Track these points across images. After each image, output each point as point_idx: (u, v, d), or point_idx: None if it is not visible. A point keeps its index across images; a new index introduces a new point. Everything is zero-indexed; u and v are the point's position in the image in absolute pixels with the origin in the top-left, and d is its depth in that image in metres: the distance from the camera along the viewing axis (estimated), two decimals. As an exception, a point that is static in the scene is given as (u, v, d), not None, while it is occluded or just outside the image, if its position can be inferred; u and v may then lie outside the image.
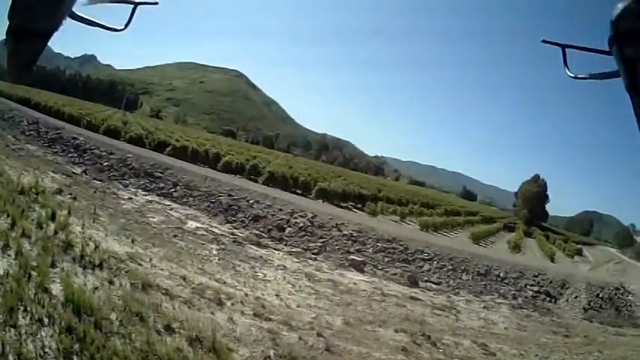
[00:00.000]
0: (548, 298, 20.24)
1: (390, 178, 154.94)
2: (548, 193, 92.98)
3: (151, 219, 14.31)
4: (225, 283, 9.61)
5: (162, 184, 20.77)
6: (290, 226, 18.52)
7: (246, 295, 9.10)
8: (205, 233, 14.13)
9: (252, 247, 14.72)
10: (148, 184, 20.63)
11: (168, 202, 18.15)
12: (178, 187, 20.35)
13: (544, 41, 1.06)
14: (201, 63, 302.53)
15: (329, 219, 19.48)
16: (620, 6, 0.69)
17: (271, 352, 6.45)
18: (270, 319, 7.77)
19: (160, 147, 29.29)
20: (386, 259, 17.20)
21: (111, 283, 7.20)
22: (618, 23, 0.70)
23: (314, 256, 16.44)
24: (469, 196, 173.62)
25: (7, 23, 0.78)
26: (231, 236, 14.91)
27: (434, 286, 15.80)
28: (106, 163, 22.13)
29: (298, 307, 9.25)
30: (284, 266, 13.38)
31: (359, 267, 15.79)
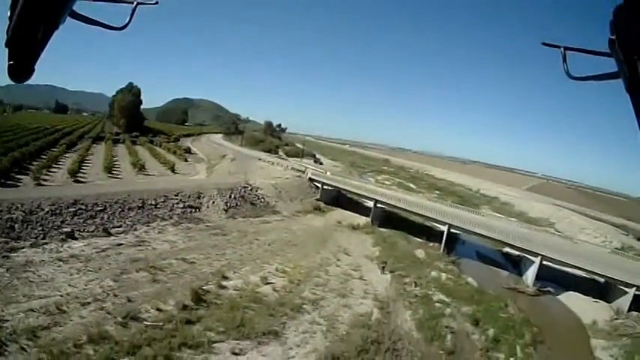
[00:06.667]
0: (194, 210, 28.96)
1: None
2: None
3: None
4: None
5: None
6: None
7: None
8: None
9: None
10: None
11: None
12: None
13: (544, 44, 1.08)
14: None
15: (30, 202, 21.65)
16: (619, 8, 0.73)
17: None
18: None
19: None
20: (81, 221, 23.11)
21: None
22: (618, 25, 0.74)
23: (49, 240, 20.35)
24: (61, 109, 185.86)
25: (8, 23, 0.81)
26: None
27: (119, 229, 24.12)
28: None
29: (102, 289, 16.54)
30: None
31: (72, 235, 21.69)
